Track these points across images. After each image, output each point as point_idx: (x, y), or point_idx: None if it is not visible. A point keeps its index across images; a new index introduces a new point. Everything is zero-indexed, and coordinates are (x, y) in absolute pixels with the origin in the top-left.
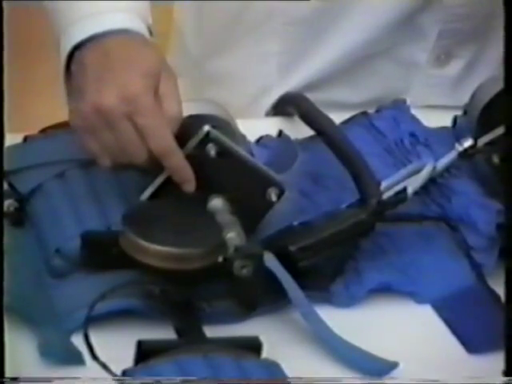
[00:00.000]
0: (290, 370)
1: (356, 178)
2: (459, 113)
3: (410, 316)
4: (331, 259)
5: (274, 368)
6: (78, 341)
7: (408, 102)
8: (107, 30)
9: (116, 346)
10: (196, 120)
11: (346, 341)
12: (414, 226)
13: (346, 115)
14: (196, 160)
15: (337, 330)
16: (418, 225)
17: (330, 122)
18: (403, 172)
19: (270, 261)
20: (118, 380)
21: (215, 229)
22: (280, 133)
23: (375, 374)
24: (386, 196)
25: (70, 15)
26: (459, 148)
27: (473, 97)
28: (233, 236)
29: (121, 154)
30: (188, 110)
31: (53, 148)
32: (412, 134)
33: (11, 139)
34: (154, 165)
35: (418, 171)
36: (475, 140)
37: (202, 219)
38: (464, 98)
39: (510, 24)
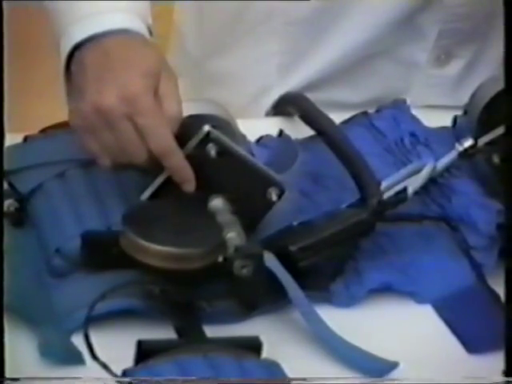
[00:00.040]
0: (290, 370)
1: (356, 177)
2: (459, 113)
3: (409, 316)
4: (331, 259)
5: (274, 368)
6: (78, 341)
7: (408, 101)
8: (107, 30)
9: (116, 346)
10: (196, 120)
11: (345, 341)
12: (414, 225)
13: (346, 115)
14: (196, 160)
15: (337, 330)
16: (418, 225)
17: (330, 121)
18: (403, 172)
19: (270, 261)
20: (118, 380)
21: (215, 229)
22: (280, 133)
23: (375, 374)
24: (386, 196)
25: (69, 15)
26: (459, 148)
27: (473, 97)
28: (233, 236)
29: (121, 154)
30: (188, 109)
31: (53, 148)
32: (412, 134)
33: (11, 139)
34: (154, 165)
35: (418, 171)
36: (475, 140)
37: (202, 219)
38: (464, 97)
39: (510, 24)
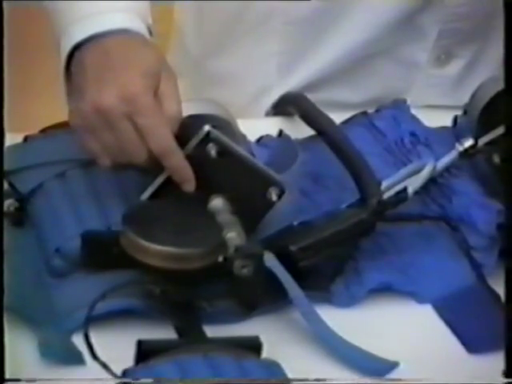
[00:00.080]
0: (290, 370)
1: (356, 177)
2: (459, 113)
3: (410, 316)
4: (331, 259)
5: (274, 368)
6: (78, 341)
7: (408, 101)
8: (107, 30)
9: (116, 346)
10: (196, 120)
11: (346, 341)
12: (414, 225)
13: (346, 115)
14: (196, 160)
15: (337, 330)
16: (418, 225)
17: (330, 121)
18: (403, 172)
19: (271, 261)
20: (118, 380)
21: (215, 229)
22: (280, 132)
23: (375, 374)
24: (386, 196)
25: (70, 15)
26: (459, 148)
27: (473, 96)
28: (233, 236)
29: (121, 154)
30: (188, 109)
31: (53, 148)
32: (412, 134)
33: (11, 139)
34: (154, 165)
35: (418, 171)
36: (475, 140)
37: (203, 219)
38: (464, 97)
39: (510, 24)
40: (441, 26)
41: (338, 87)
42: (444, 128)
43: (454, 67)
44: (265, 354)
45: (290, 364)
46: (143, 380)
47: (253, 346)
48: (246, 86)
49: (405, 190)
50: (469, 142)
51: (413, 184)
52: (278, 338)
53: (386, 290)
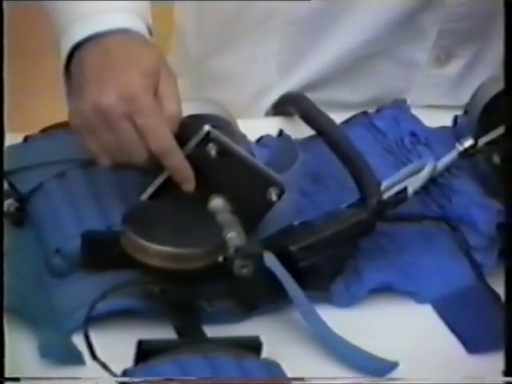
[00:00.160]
0: (290, 370)
1: (356, 177)
2: (459, 113)
3: (410, 316)
4: (331, 259)
5: (273, 368)
6: (78, 341)
7: (408, 101)
8: (107, 30)
9: (116, 346)
10: (196, 120)
11: (346, 341)
12: (414, 225)
13: (346, 115)
14: (196, 160)
15: (337, 330)
16: (418, 225)
17: (331, 121)
18: (403, 172)
19: (270, 261)
20: (117, 380)
21: (215, 229)
22: (280, 132)
23: (375, 374)
24: (386, 196)
25: (69, 15)
26: (460, 148)
27: (473, 96)
28: (233, 236)
29: (120, 154)
30: (188, 109)
31: (53, 148)
32: (412, 134)
33: (11, 139)
34: (154, 164)
35: (418, 171)
36: (475, 140)
37: (203, 219)
38: (464, 97)
39: (510, 24)
40: (441, 26)
41: (338, 87)
42: (444, 128)
43: (454, 67)
44: (265, 353)
45: (289, 364)
46: (143, 380)
47: (253, 345)
48: (246, 85)
49: (405, 190)
50: (469, 142)
51: (413, 184)
52: (277, 338)
53: (385, 289)
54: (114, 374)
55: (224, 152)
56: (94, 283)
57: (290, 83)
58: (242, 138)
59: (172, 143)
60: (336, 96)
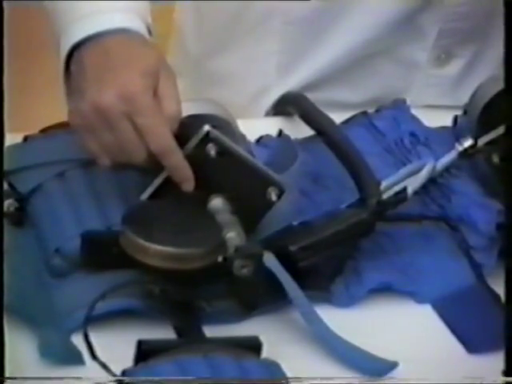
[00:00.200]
0: (290, 370)
1: (356, 177)
2: (459, 112)
3: (410, 316)
4: (331, 259)
5: (273, 368)
6: (78, 341)
7: (408, 101)
8: (106, 30)
9: (116, 346)
10: (196, 120)
11: (345, 341)
12: (414, 225)
13: (346, 115)
14: (196, 160)
15: (337, 330)
16: (417, 225)
17: (330, 121)
18: (403, 172)
19: (270, 261)
20: (117, 380)
21: (215, 229)
22: (280, 132)
23: (375, 374)
24: (386, 196)
25: (69, 15)
26: (459, 148)
27: (473, 96)
28: (233, 236)
29: (120, 154)
30: (188, 109)
31: (53, 148)
32: (412, 134)
33: (11, 139)
34: (154, 164)
35: (417, 171)
36: (475, 140)
37: (202, 219)
38: (464, 97)
39: (510, 24)
40: (440, 26)
41: (338, 87)
42: (444, 128)
43: (454, 67)
44: (265, 354)
45: (289, 364)
46: (143, 380)
47: (253, 345)
48: (246, 85)
49: (404, 190)
50: (468, 142)
51: (412, 184)
52: (277, 338)
53: (385, 290)
54: (113, 374)
55: (224, 152)
56: (94, 283)
57: (290, 83)
58: (241, 138)
59: (171, 143)
60: (336, 96)
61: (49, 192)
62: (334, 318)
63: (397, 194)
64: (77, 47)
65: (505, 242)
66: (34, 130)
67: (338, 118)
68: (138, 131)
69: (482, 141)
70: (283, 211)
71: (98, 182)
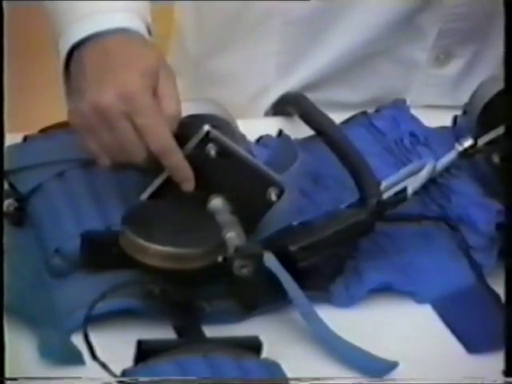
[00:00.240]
0: (290, 370)
1: (356, 177)
2: (459, 112)
3: (409, 316)
4: (331, 259)
5: (273, 368)
6: (78, 341)
7: (408, 101)
8: (106, 30)
9: (116, 346)
10: (196, 120)
11: (346, 341)
12: (413, 225)
13: (346, 115)
14: (196, 160)
15: (337, 330)
16: (417, 225)
17: (330, 121)
18: (403, 172)
19: (270, 261)
20: (117, 380)
21: (215, 229)
22: (280, 132)
23: (375, 374)
24: (385, 196)
25: (69, 15)
26: (459, 148)
27: (473, 96)
28: (233, 236)
29: (120, 153)
30: (188, 109)
31: (53, 148)
32: (412, 134)
33: (11, 139)
34: (154, 164)
35: (417, 171)
36: (475, 140)
37: (202, 219)
38: (464, 97)
39: (510, 24)
40: (440, 26)
41: (338, 87)
42: (444, 128)
43: (454, 67)
44: (265, 354)
45: (289, 364)
46: (143, 380)
47: (253, 345)
48: (246, 85)
49: (404, 190)
50: (468, 142)
51: (412, 184)
52: (277, 338)
53: (385, 290)
54: (113, 374)
55: (223, 152)
56: (94, 283)
57: (290, 83)
58: (241, 138)
59: (171, 143)
60: (335, 96)
61: (49, 192)
62: (333, 318)
63: (397, 194)
64: (77, 47)
65: (505, 242)
66: (33, 129)
67: (338, 118)
68: (138, 131)
69: (481, 141)
70: (283, 211)
71: (98, 182)
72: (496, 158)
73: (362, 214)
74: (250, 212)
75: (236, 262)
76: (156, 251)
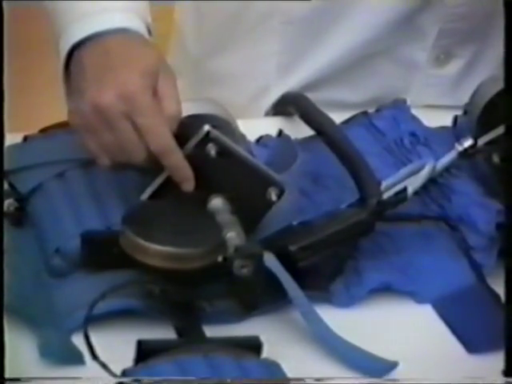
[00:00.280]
0: (290, 370)
1: (356, 177)
2: (459, 112)
3: (409, 316)
4: (331, 259)
5: (273, 368)
6: (78, 341)
7: (408, 101)
8: (106, 29)
9: (116, 346)
10: (196, 120)
11: (346, 341)
12: (413, 225)
13: (346, 115)
14: (196, 160)
15: (337, 330)
16: (417, 225)
17: (330, 121)
18: (403, 172)
19: (270, 261)
20: (117, 380)
21: (215, 228)
22: (280, 132)
23: (375, 374)
24: (386, 196)
25: (69, 15)
26: (459, 148)
27: (473, 96)
28: (233, 236)
29: (120, 153)
30: (188, 109)
31: (53, 148)
32: (412, 134)
33: (11, 139)
34: (154, 164)
35: (418, 171)
36: (475, 140)
37: (202, 219)
38: (464, 97)
39: (510, 24)
40: (440, 26)
41: (338, 87)
42: (444, 128)
43: (454, 67)
44: (265, 354)
45: (289, 364)
46: (143, 380)
47: (253, 345)
48: (246, 85)
49: (404, 189)
50: (468, 142)
51: (412, 184)
52: (277, 338)
53: (385, 290)
54: (113, 374)
55: (224, 152)
56: (94, 283)
57: (290, 83)
58: (241, 138)
59: (171, 143)
60: (336, 96)
61: (49, 192)
62: (333, 318)
63: (397, 193)
64: (77, 47)
65: (505, 242)
66: (33, 129)
67: (337, 118)
68: (138, 131)
69: (481, 141)
70: (283, 211)
71: (98, 182)
72: (496, 158)
73: (362, 213)
74: (250, 212)
75: (236, 261)
76: (156, 251)
